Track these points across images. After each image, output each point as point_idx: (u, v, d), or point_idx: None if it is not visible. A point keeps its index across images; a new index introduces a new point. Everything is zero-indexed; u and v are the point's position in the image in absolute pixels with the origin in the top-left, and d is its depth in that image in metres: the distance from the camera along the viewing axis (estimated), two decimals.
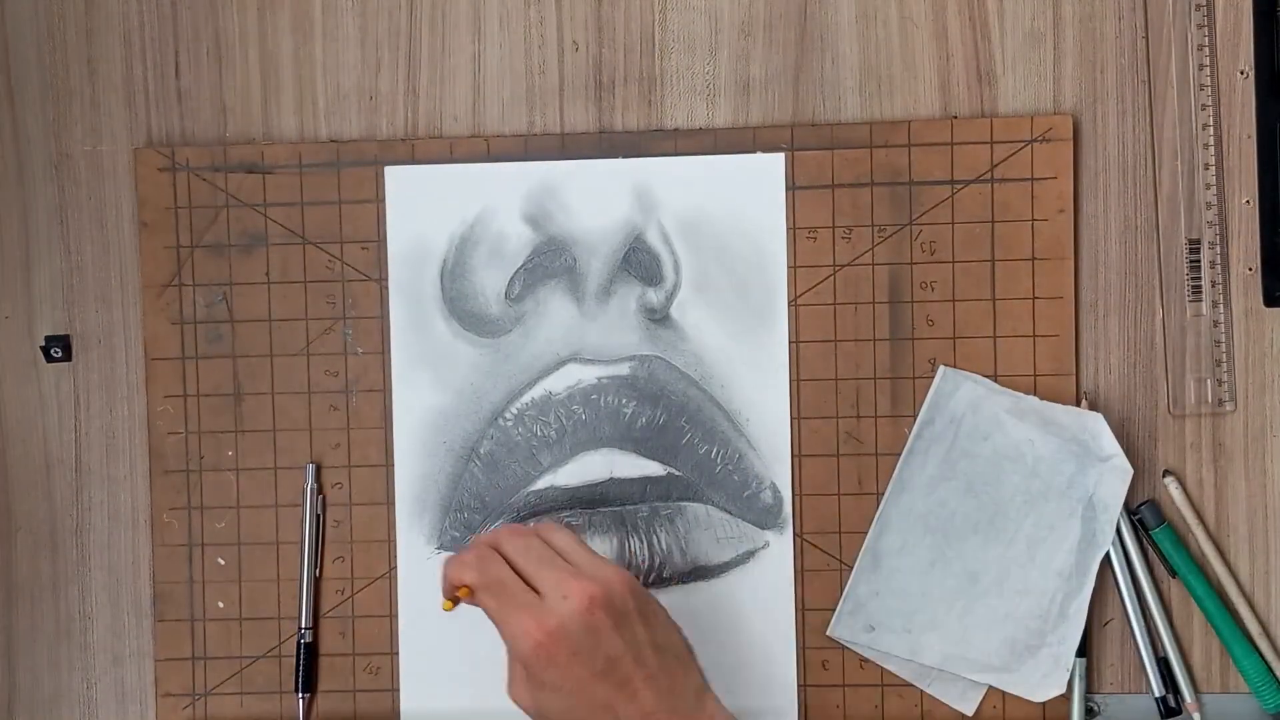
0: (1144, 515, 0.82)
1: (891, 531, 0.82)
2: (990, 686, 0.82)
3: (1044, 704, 0.82)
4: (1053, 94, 0.83)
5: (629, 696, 0.71)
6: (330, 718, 0.84)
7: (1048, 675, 0.81)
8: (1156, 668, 0.82)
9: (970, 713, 0.82)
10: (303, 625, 0.84)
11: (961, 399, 0.82)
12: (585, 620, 0.71)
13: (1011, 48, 0.83)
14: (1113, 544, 0.82)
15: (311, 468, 0.84)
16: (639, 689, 0.71)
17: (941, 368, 0.82)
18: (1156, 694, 0.82)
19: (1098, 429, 0.81)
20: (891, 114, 0.84)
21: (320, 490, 0.84)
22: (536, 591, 0.72)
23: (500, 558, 0.74)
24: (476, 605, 0.74)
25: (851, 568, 0.82)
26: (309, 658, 0.84)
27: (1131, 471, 0.80)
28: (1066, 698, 0.81)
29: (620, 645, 0.71)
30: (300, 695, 0.84)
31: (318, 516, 0.84)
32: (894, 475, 0.82)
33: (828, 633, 0.82)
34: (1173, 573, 0.82)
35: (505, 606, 0.72)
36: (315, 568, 0.84)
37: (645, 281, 0.83)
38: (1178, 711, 0.82)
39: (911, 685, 0.82)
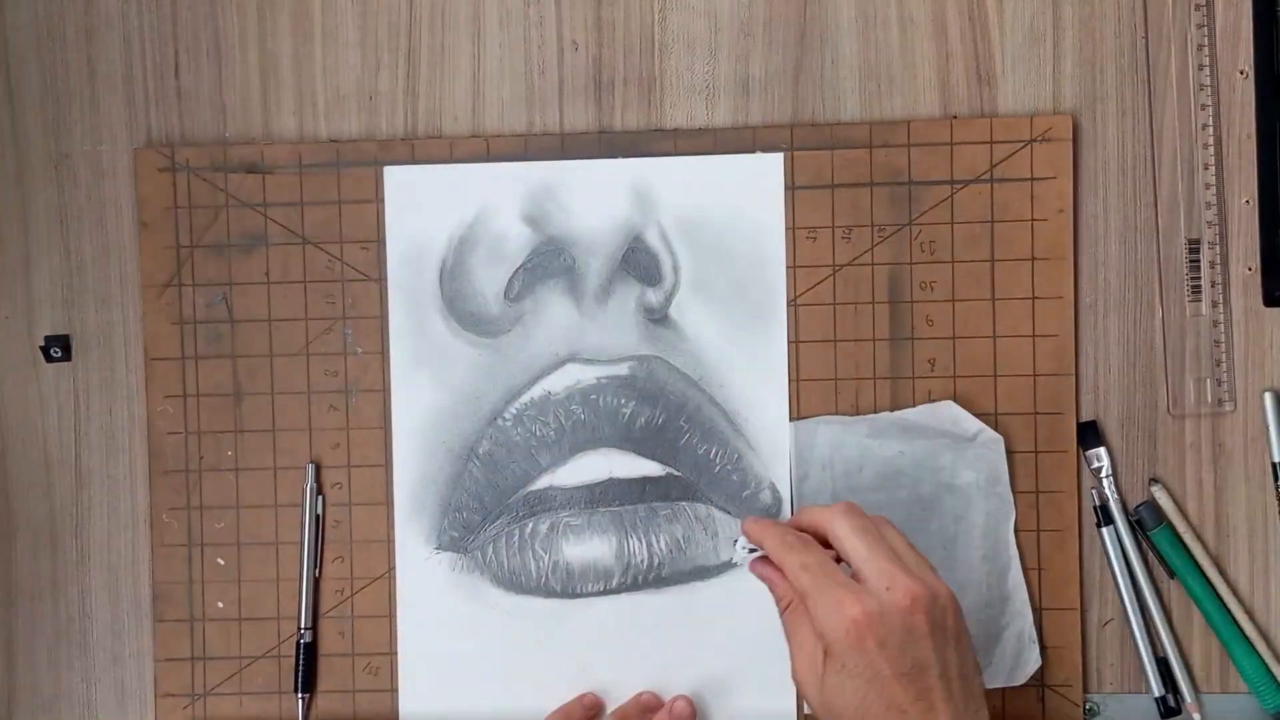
0: (1143, 516, 0.82)
1: None
2: None
3: (1043, 701, 0.82)
4: (1052, 94, 0.83)
5: (925, 708, 0.67)
6: (329, 718, 0.84)
7: (1020, 654, 0.81)
8: (1156, 668, 0.82)
9: None
10: (302, 625, 0.84)
11: (822, 443, 0.82)
12: (905, 617, 0.67)
13: (1011, 48, 0.83)
14: (1112, 544, 0.82)
15: (311, 468, 0.84)
16: (937, 705, 0.67)
17: (789, 424, 0.82)
18: (1156, 694, 0.82)
19: (954, 414, 0.82)
20: (891, 114, 0.84)
21: (320, 490, 0.84)
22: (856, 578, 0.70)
23: (818, 545, 0.72)
24: (767, 580, 0.73)
25: None
26: (308, 658, 0.84)
27: (1002, 439, 0.81)
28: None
29: (930, 655, 0.67)
30: (299, 695, 0.84)
31: (317, 517, 0.84)
32: None
33: (804, 715, 0.82)
34: (1171, 573, 0.82)
35: (824, 581, 0.69)
36: (315, 568, 0.84)
37: (644, 281, 0.83)
38: (1177, 711, 0.82)
39: None
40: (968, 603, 0.80)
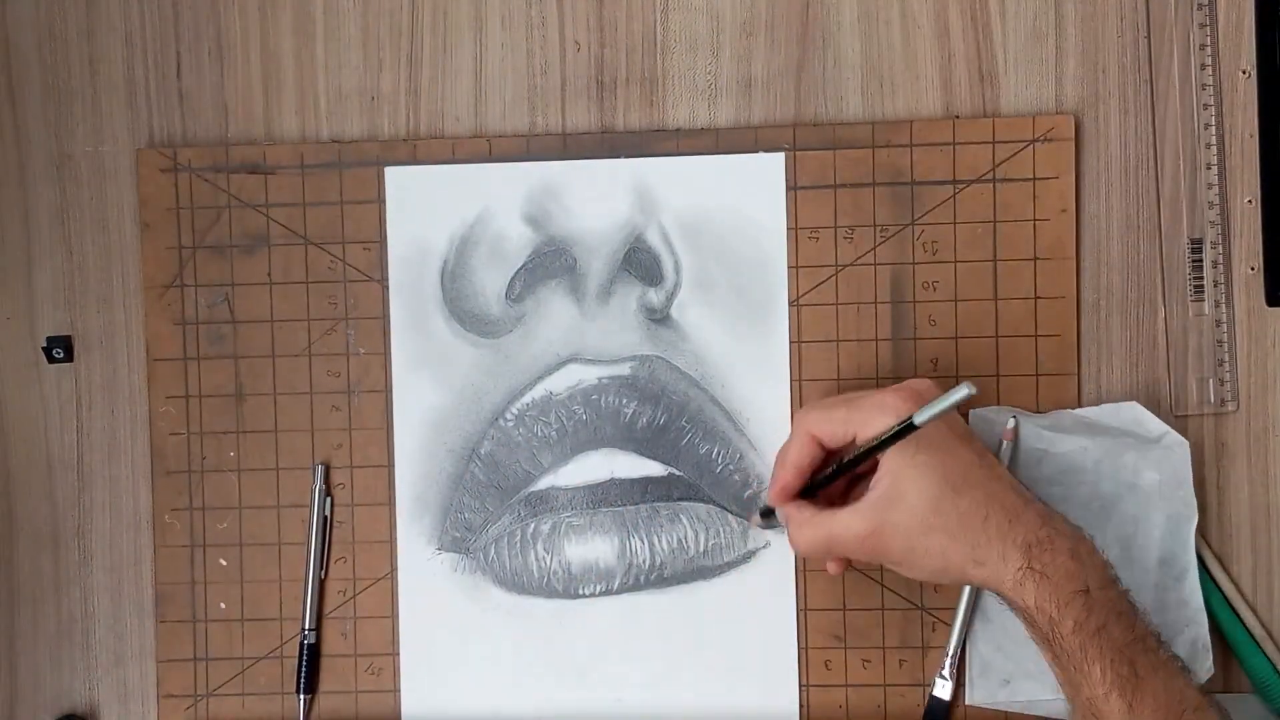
0: None
1: None
2: None
3: None
4: (1054, 93, 0.83)
5: None
6: (331, 719, 0.84)
7: (1194, 661, 0.79)
8: None
9: None
10: (306, 626, 0.84)
11: (998, 434, 0.81)
12: None
13: (1013, 47, 0.83)
14: None
15: (321, 468, 0.84)
16: None
17: (971, 412, 0.81)
18: None
19: (1139, 416, 0.81)
20: (893, 114, 0.84)
21: (329, 491, 0.84)
22: None
23: None
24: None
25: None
26: (311, 659, 0.84)
27: (1188, 443, 0.80)
28: None
29: None
30: (302, 696, 0.84)
31: (325, 518, 0.84)
32: None
33: (966, 702, 0.81)
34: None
35: None
36: (321, 569, 0.84)
37: (646, 281, 0.83)
38: None
39: (915, 686, 0.82)
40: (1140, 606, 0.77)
